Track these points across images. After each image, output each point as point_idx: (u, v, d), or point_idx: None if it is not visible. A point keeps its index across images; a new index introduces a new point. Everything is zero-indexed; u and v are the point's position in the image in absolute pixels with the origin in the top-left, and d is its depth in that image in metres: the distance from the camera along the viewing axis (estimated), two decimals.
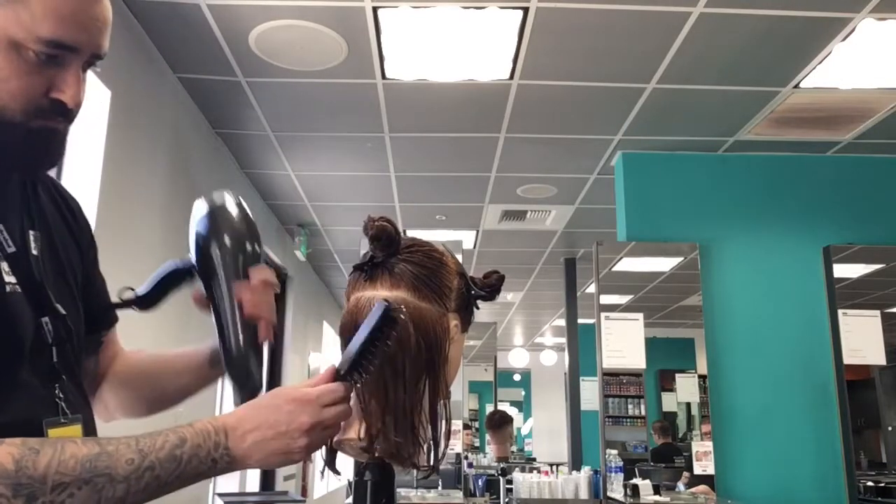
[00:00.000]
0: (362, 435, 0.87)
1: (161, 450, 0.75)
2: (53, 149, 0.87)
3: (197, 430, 0.78)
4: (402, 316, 0.83)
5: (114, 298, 1.07)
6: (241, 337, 0.92)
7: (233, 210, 1.00)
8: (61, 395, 0.86)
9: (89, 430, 0.91)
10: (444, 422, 0.91)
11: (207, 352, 1.09)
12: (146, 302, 1.03)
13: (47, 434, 0.82)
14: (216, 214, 0.98)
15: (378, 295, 0.89)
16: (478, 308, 0.98)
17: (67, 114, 0.85)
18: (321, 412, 0.81)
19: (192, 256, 0.99)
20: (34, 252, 0.88)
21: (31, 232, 0.89)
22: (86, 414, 0.92)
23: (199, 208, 0.99)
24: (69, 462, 0.71)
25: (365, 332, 0.82)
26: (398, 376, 0.87)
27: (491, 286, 0.98)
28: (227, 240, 0.97)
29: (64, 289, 0.93)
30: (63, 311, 0.89)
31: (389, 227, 0.90)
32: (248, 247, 0.98)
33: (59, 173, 2.63)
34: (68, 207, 1.02)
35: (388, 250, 0.91)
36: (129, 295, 1.04)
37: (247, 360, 0.92)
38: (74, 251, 0.99)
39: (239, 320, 0.93)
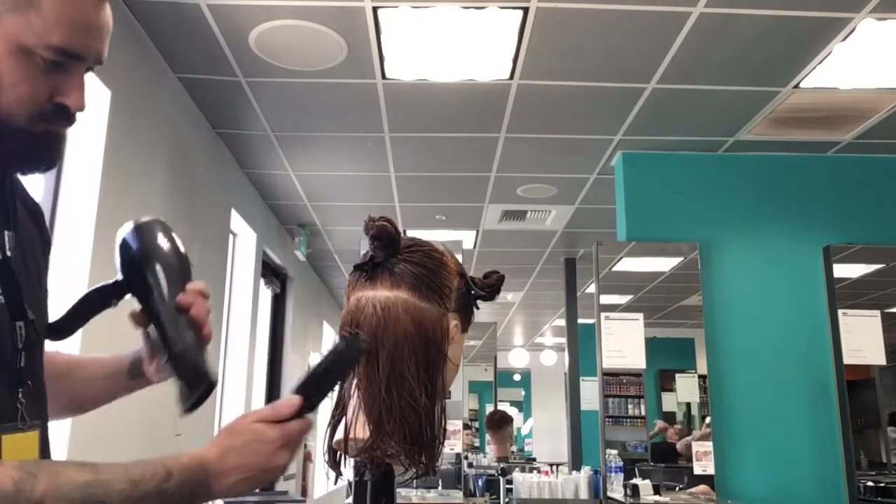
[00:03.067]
0: (362, 435, 0.87)
1: (150, 482, 0.77)
2: (54, 151, 0.89)
3: (182, 466, 0.79)
4: (363, 346, 0.86)
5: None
6: (187, 335, 0.91)
7: (157, 226, 1.00)
8: (22, 401, 0.86)
9: (44, 437, 0.91)
10: (442, 421, 0.91)
11: (127, 360, 1.08)
12: (56, 331, 0.97)
13: (1, 441, 0.81)
14: (143, 230, 0.98)
15: (378, 295, 0.89)
16: (478, 308, 0.98)
17: (70, 119, 0.87)
18: (286, 429, 0.83)
19: (121, 273, 0.98)
20: (8, 253, 0.88)
21: (6, 232, 0.90)
22: (44, 419, 0.91)
23: (124, 228, 1.00)
24: (65, 488, 0.73)
25: (328, 358, 0.85)
26: (398, 376, 0.87)
27: (491, 286, 0.98)
28: (160, 251, 0.97)
29: (35, 291, 0.93)
30: (32, 316, 0.89)
31: (390, 227, 0.90)
32: (177, 259, 0.98)
33: (59, 173, 2.63)
34: (32, 203, 1.02)
35: (388, 250, 0.91)
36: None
37: (196, 357, 0.90)
38: (40, 250, 0.99)
39: (181, 323, 0.92)
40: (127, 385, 1.09)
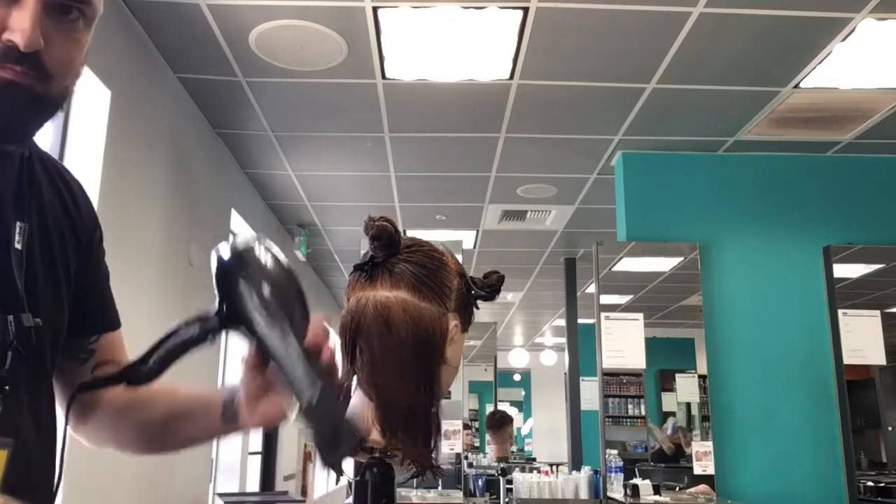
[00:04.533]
0: (362, 435, 0.87)
1: None
2: (21, 106, 0.73)
3: None
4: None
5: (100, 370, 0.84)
6: (320, 387, 0.73)
7: (265, 250, 0.80)
8: None
9: (32, 457, 0.77)
10: (440, 422, 0.91)
11: (220, 400, 0.89)
12: (141, 377, 0.80)
13: None
14: (249, 252, 0.79)
15: (378, 295, 0.89)
16: (478, 308, 0.98)
17: (24, 60, 0.71)
18: None
19: (221, 304, 0.79)
20: (17, 246, 0.77)
21: (17, 224, 0.78)
22: (29, 434, 0.77)
23: (223, 249, 0.80)
24: None
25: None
26: (398, 376, 0.87)
27: (491, 286, 0.98)
28: (274, 279, 0.78)
29: (49, 284, 0.82)
30: (34, 318, 0.77)
31: (390, 227, 0.90)
32: (296, 291, 0.79)
33: None
34: (68, 189, 0.90)
35: (388, 250, 0.91)
36: (109, 370, 0.81)
37: (334, 415, 0.74)
38: (71, 238, 0.87)
39: (311, 370, 0.74)
40: (219, 429, 0.91)
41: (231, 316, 0.78)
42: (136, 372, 0.79)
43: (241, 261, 0.78)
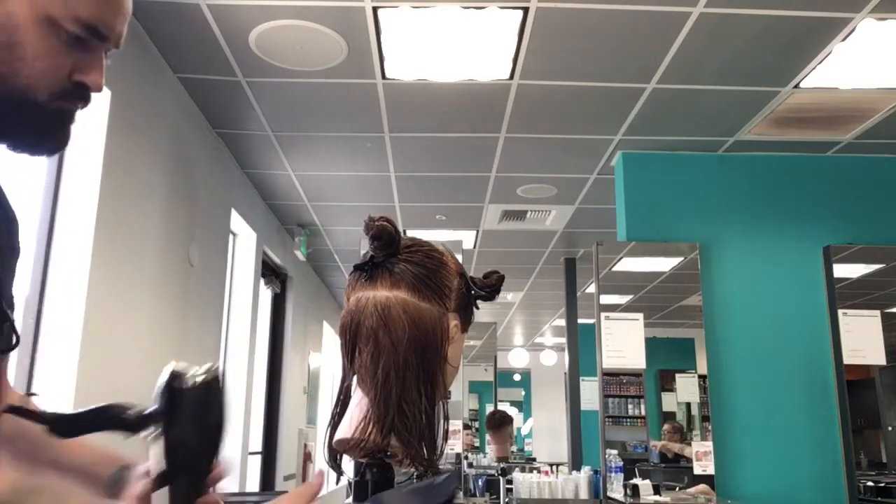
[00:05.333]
0: (363, 434, 0.87)
1: None
2: (64, 133, 0.85)
3: None
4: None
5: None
6: None
7: (218, 391, 0.79)
8: None
9: None
10: (443, 421, 0.91)
11: (107, 474, 0.92)
12: (62, 427, 0.78)
13: None
14: (208, 389, 0.78)
15: (378, 295, 0.89)
16: (478, 308, 0.98)
17: (87, 99, 0.84)
18: None
19: (160, 415, 0.77)
20: None
21: None
22: None
23: (181, 371, 0.78)
24: None
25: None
26: (398, 376, 0.87)
27: (491, 286, 0.99)
28: (209, 424, 0.78)
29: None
30: None
31: (389, 227, 0.90)
32: (218, 437, 0.79)
33: (59, 173, 2.63)
34: (8, 214, 0.91)
35: (388, 250, 0.91)
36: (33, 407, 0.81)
37: None
38: (7, 263, 0.88)
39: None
40: (102, 493, 0.93)
41: (167, 432, 0.76)
42: (65, 423, 0.78)
43: (204, 393, 0.77)
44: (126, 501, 0.84)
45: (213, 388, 0.77)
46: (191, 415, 0.76)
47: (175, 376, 0.77)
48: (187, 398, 0.76)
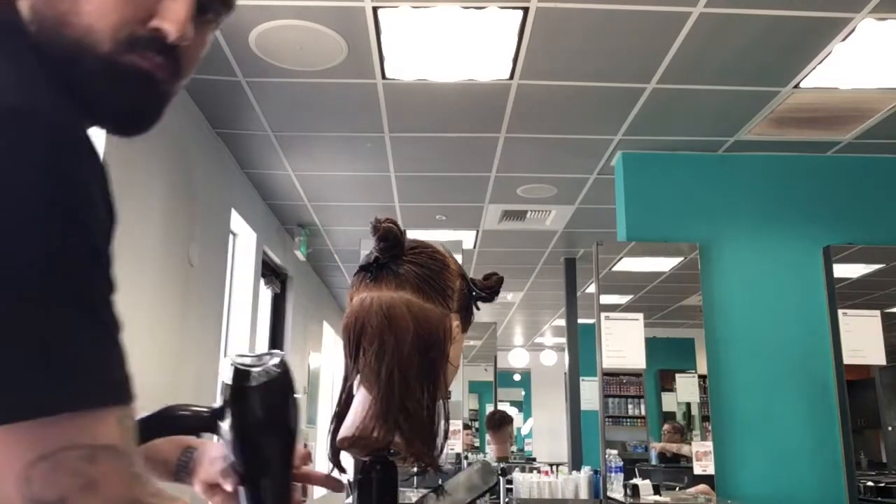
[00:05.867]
0: (367, 433, 0.88)
1: None
2: (152, 101, 0.67)
3: None
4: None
5: None
6: None
7: (288, 379, 0.74)
8: None
9: None
10: (443, 421, 0.92)
11: (175, 459, 0.88)
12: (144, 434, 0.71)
13: None
14: (285, 388, 0.73)
15: (383, 295, 0.91)
16: (478, 309, 1.00)
17: (168, 53, 0.66)
18: None
19: (238, 440, 0.71)
20: None
21: None
22: None
23: (238, 360, 0.72)
24: None
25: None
26: (403, 375, 0.88)
27: (490, 288, 1.00)
28: (288, 417, 0.73)
29: None
30: None
31: (395, 228, 0.92)
32: (296, 426, 0.75)
33: None
34: None
35: (393, 251, 0.92)
36: None
37: None
38: None
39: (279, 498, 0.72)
40: (169, 477, 0.89)
41: (240, 434, 0.71)
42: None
43: (285, 385, 0.73)
44: (198, 486, 0.82)
45: (283, 384, 0.72)
46: (263, 415, 0.71)
47: (241, 375, 0.71)
48: (256, 398, 0.70)
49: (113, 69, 0.62)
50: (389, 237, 0.90)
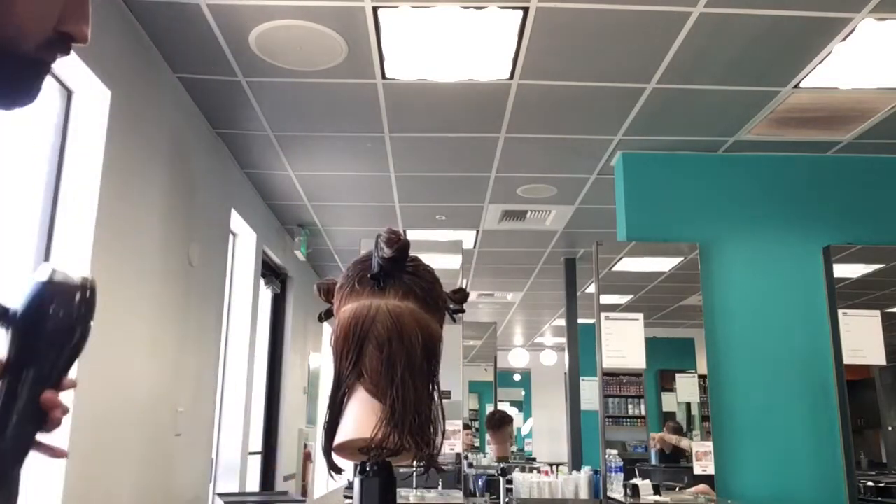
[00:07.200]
0: (372, 434, 0.89)
1: None
2: (40, 84, 0.77)
3: None
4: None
5: None
6: (20, 434, 0.72)
7: (84, 293, 0.77)
8: None
9: None
10: (442, 421, 0.96)
11: None
12: None
13: None
14: (72, 291, 0.75)
15: (391, 304, 0.94)
16: (454, 321, 1.06)
17: (68, 51, 0.76)
18: None
19: (23, 316, 0.74)
20: None
21: None
22: None
23: (51, 272, 0.76)
24: None
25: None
26: (410, 380, 0.92)
27: (462, 301, 1.07)
28: (70, 325, 0.75)
29: None
30: None
31: (406, 241, 0.95)
32: (76, 348, 0.77)
33: (59, 174, 2.63)
34: None
35: (401, 263, 0.96)
36: None
37: (8, 465, 0.72)
38: None
39: (27, 417, 0.73)
40: None
41: (10, 322, 0.73)
42: None
43: (80, 291, 0.75)
44: None
45: (78, 292, 0.75)
46: (48, 311, 0.73)
47: (44, 271, 0.75)
48: (47, 294, 0.74)
49: (23, 65, 0.72)
50: (405, 251, 0.95)
